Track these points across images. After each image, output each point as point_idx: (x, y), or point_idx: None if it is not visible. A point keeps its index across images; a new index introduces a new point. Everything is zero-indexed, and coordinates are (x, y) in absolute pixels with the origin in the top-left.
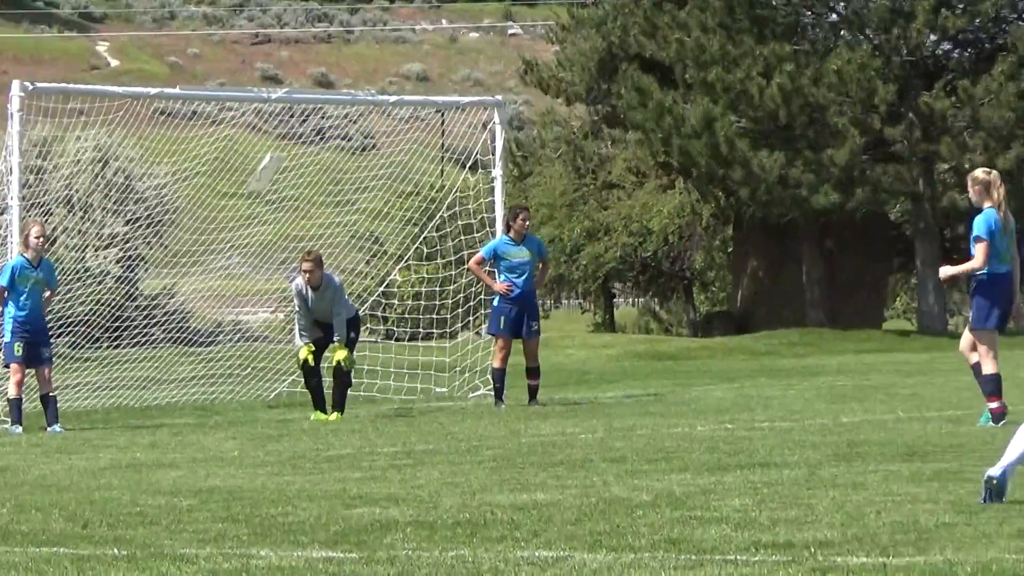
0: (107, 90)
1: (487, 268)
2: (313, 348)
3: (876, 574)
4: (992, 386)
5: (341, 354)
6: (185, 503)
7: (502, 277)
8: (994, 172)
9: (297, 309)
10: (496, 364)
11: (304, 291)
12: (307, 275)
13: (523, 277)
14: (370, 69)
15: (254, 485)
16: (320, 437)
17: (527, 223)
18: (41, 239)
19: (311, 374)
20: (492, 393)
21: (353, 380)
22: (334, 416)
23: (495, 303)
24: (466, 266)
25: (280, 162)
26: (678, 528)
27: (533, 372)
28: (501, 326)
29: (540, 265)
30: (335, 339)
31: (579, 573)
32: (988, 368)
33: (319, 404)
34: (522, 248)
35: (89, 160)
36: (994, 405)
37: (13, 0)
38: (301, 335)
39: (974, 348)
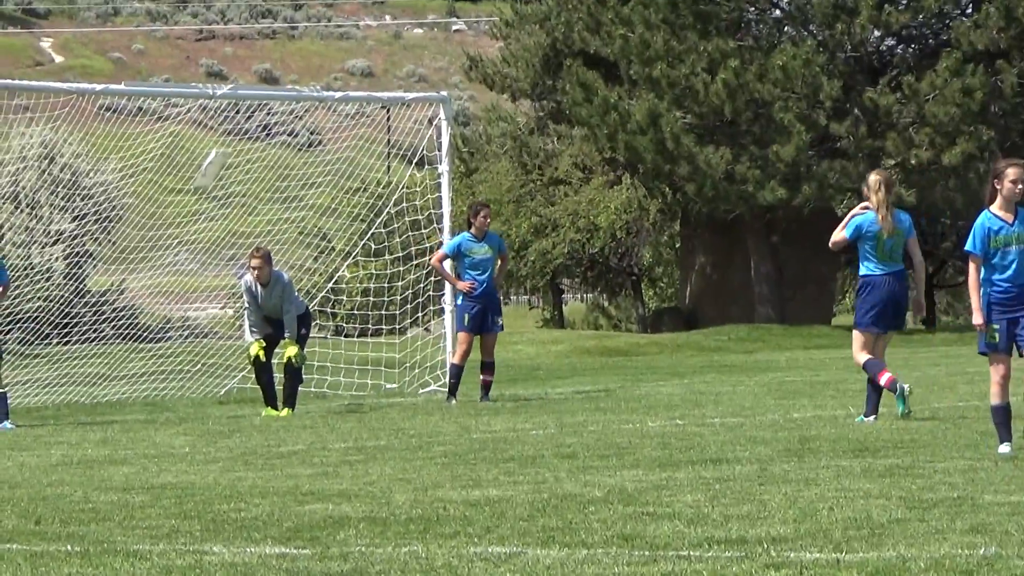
0: (52, 86)
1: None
2: (264, 344)
3: (829, 570)
4: (874, 370)
5: (292, 350)
6: (137, 499)
7: (466, 275)
8: (874, 176)
9: (247, 305)
10: (456, 360)
11: (253, 288)
12: (256, 272)
13: (485, 274)
14: (315, 65)
15: (206, 481)
16: (271, 433)
17: (488, 220)
18: None
19: (262, 370)
20: (443, 389)
21: (304, 376)
22: (285, 412)
23: (459, 301)
24: (427, 262)
25: (225, 158)
26: (631, 524)
27: (488, 367)
28: (465, 323)
29: (499, 261)
30: (286, 335)
31: (533, 569)
32: (861, 359)
33: (270, 400)
34: (483, 245)
35: (35, 156)
36: (885, 377)
37: None
38: (251, 331)
39: (863, 349)
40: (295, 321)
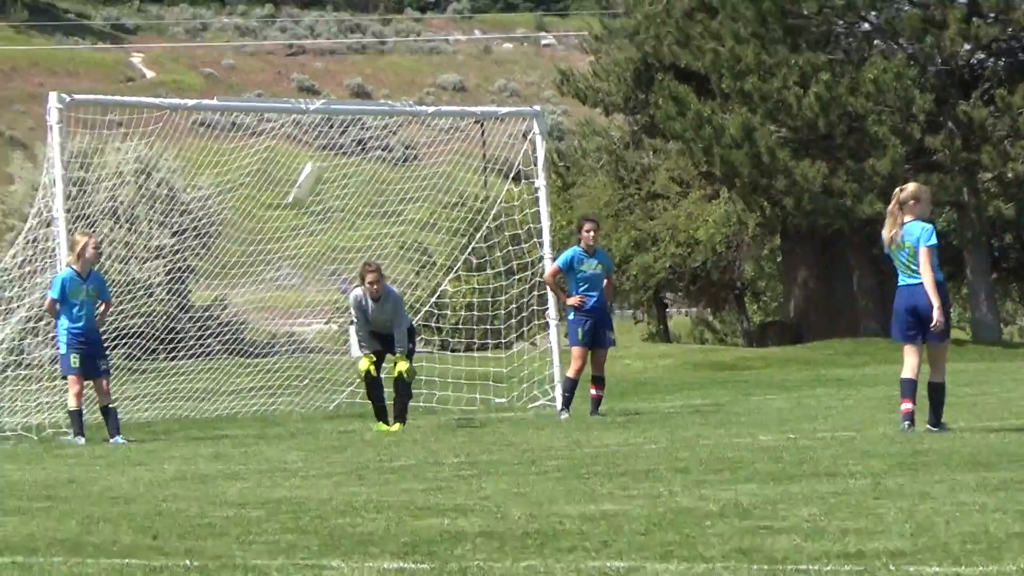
0: (145, 101)
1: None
2: (374, 359)
3: None
4: (903, 392)
5: (403, 365)
6: (253, 514)
7: (576, 289)
8: (898, 188)
9: (354, 320)
10: (570, 374)
11: (364, 302)
12: (372, 286)
13: (596, 289)
14: (406, 80)
15: (321, 496)
16: (383, 448)
17: (591, 233)
18: (96, 251)
19: (373, 385)
20: (551, 404)
21: (412, 391)
22: (396, 427)
23: (570, 316)
24: (530, 276)
25: (321, 172)
26: (748, 538)
27: (599, 381)
28: (579, 338)
29: (605, 281)
30: (397, 350)
31: None
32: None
33: (381, 415)
34: (593, 260)
35: (131, 172)
36: (904, 406)
37: (45, 12)
38: (360, 346)
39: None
40: (406, 335)
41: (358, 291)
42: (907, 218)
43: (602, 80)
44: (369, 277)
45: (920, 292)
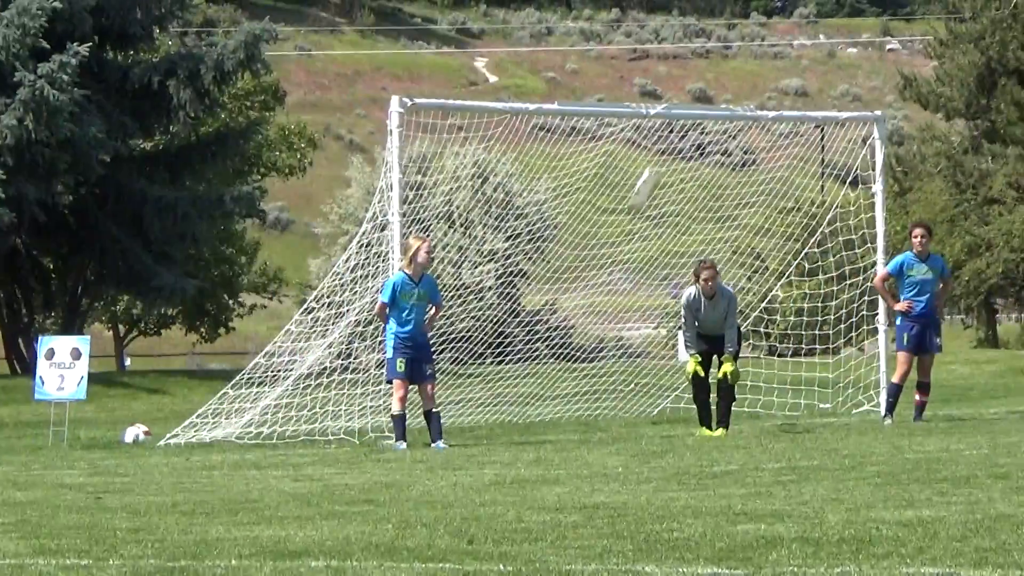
0: (486, 106)
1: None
2: (699, 359)
3: None
4: None
5: (728, 366)
6: (570, 519)
7: (904, 294)
8: None
9: (683, 321)
10: (895, 380)
11: (695, 301)
12: (707, 283)
13: (925, 295)
14: (748, 84)
15: (639, 501)
16: (704, 453)
17: (920, 240)
18: (429, 255)
19: (701, 388)
20: (876, 409)
21: (737, 395)
22: (719, 432)
23: (898, 321)
24: (861, 281)
25: (659, 177)
26: None
27: (924, 388)
28: (905, 343)
29: (941, 285)
30: (727, 350)
31: None
32: None
33: (705, 420)
34: (924, 265)
35: (468, 176)
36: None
37: (391, 17)
38: (687, 347)
39: None
40: (737, 335)
41: (691, 289)
42: None
43: (944, 85)
44: (704, 274)
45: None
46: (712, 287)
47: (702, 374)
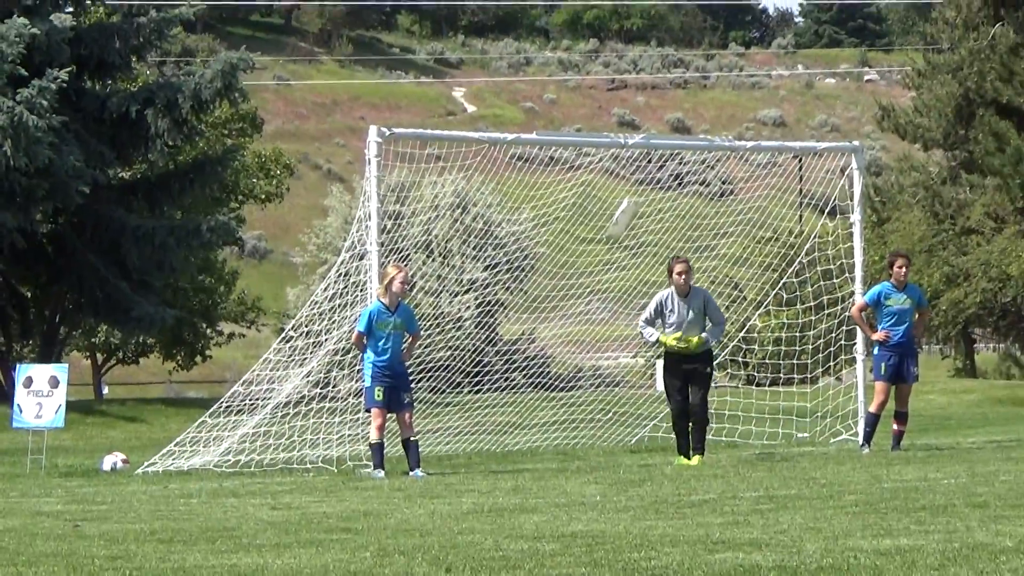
0: (464, 135)
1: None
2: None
3: None
4: None
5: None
6: (548, 547)
7: (881, 324)
8: None
9: (646, 314)
10: (873, 409)
11: (668, 301)
12: (680, 277)
13: (903, 325)
14: (726, 115)
15: (617, 530)
16: (682, 482)
17: (903, 270)
18: (404, 285)
19: (681, 415)
20: (854, 439)
21: (714, 424)
22: (695, 460)
23: (875, 351)
24: (839, 311)
25: (637, 208)
26: None
27: (901, 417)
28: (883, 372)
29: (918, 314)
30: (707, 339)
31: None
32: None
33: (683, 448)
34: (903, 295)
35: (447, 206)
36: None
37: (370, 47)
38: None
39: None
40: (720, 330)
41: (661, 293)
42: None
43: (922, 115)
44: (678, 267)
45: None
46: (686, 283)
47: (680, 347)
